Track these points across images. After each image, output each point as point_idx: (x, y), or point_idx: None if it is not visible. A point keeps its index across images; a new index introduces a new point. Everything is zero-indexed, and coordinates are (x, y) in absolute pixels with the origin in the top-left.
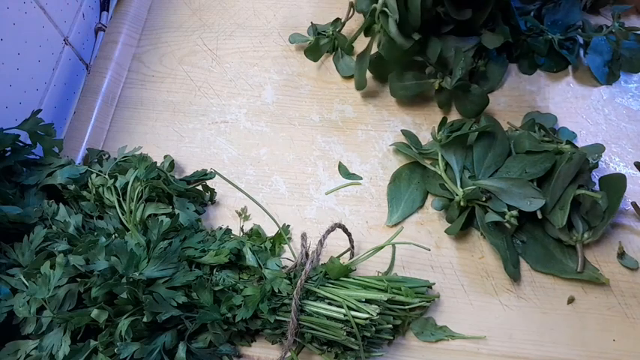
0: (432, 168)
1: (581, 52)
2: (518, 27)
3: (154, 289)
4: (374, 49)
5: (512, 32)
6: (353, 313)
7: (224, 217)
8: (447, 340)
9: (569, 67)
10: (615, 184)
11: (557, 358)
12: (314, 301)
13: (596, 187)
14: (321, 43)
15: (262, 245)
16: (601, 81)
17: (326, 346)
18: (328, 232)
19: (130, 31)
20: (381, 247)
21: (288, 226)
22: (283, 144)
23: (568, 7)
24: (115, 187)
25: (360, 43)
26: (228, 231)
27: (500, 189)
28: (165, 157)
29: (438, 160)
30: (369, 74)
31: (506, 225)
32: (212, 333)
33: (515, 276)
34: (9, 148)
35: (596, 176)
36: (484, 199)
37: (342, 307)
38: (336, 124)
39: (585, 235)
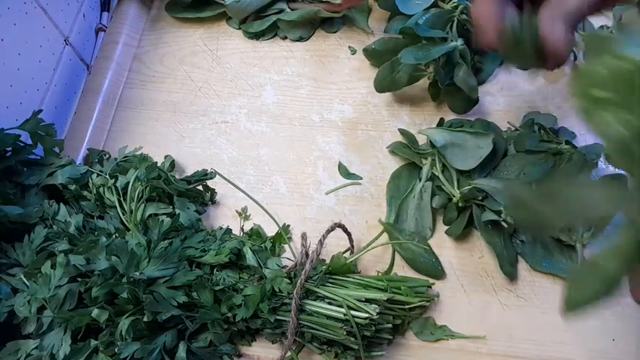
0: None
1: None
2: None
3: (154, 288)
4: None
5: None
6: (353, 312)
7: (224, 216)
8: (446, 339)
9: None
10: (615, 184)
11: (556, 358)
12: (314, 300)
13: None
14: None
15: (262, 245)
16: None
17: (326, 346)
18: (328, 231)
19: (131, 31)
20: (376, 239)
21: (288, 225)
22: (283, 144)
23: None
24: (116, 187)
25: None
26: (228, 231)
27: (495, 189)
28: (165, 157)
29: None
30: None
31: (504, 224)
32: (212, 332)
33: (511, 275)
34: (10, 148)
35: (596, 176)
36: (480, 198)
37: (342, 306)
38: (336, 124)
39: (585, 235)
